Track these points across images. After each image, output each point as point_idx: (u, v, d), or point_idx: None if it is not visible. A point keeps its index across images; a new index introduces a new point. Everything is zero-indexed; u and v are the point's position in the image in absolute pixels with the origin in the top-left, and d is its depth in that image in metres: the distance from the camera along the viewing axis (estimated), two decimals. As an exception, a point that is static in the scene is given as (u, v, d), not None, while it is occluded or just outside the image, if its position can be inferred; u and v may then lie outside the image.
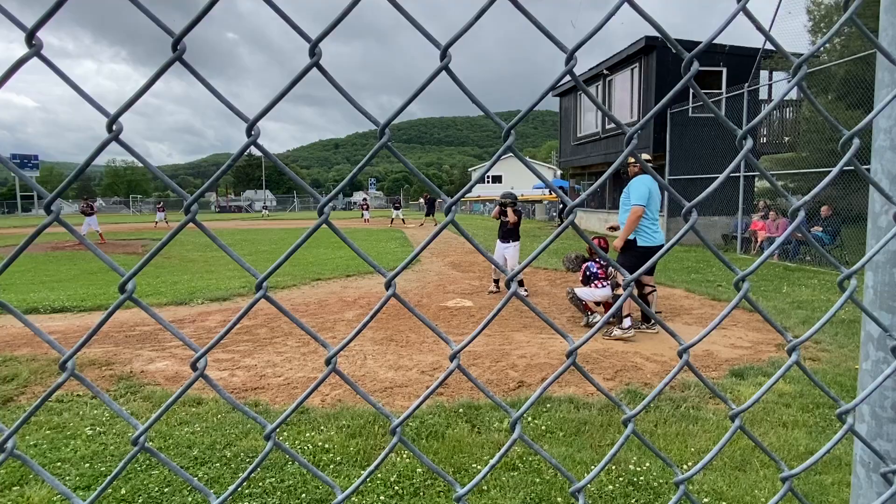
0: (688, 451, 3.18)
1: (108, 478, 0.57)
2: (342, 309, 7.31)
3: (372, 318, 0.57)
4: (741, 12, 0.51)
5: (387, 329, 6.15)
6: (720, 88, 16.02)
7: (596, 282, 6.21)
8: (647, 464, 3.00)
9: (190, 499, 2.72)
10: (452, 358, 0.59)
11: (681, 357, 0.57)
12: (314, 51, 0.49)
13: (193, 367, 0.56)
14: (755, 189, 14.81)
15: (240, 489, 2.77)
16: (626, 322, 5.61)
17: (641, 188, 5.46)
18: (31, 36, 0.46)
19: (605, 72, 19.00)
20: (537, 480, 2.85)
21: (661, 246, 5.56)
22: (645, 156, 6.15)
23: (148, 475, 2.94)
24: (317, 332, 6.11)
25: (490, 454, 3.15)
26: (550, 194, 36.12)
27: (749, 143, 0.54)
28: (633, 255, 5.53)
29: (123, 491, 2.78)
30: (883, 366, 0.66)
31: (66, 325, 6.41)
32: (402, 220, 29.83)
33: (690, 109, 14.98)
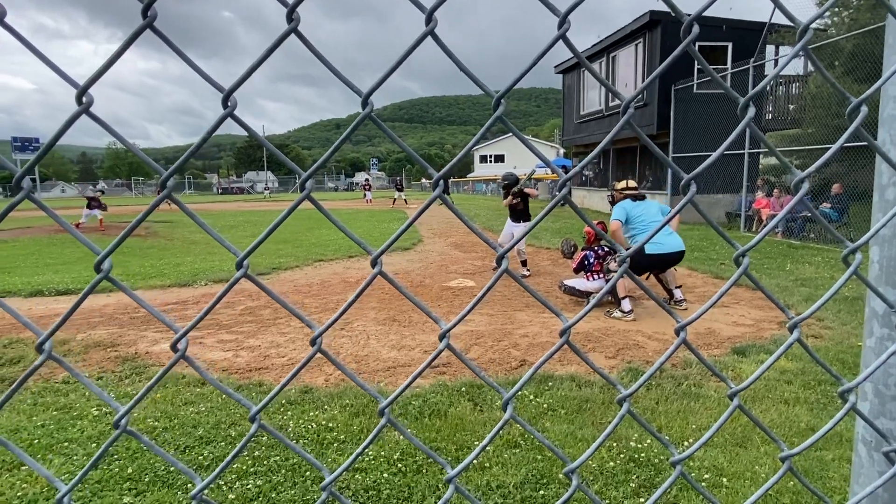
0: (689, 428, 3.19)
1: (92, 458, 0.56)
2: (345, 290, 7.33)
3: (357, 297, 0.55)
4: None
5: (390, 309, 6.16)
6: (725, 64, 15.78)
7: (589, 273, 6.22)
8: (648, 441, 3.02)
9: (198, 476, 2.75)
10: (442, 338, 0.58)
11: (678, 335, 0.56)
12: (292, 16, 0.47)
13: (174, 348, 0.55)
14: (759, 166, 14.67)
15: (245, 468, 2.80)
16: (626, 304, 5.62)
17: (617, 209, 5.83)
18: None
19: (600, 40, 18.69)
20: (539, 457, 2.87)
21: (674, 252, 5.68)
22: (630, 182, 6.36)
23: (154, 454, 2.97)
24: (320, 312, 6.12)
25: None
26: (552, 173, 35.89)
27: (751, 111, 0.51)
28: (641, 257, 5.64)
29: (130, 470, 2.81)
30: (887, 343, 0.65)
31: (70, 307, 6.44)
32: (405, 200, 29.75)
33: (695, 86, 14.78)
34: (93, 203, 17.43)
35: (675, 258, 5.73)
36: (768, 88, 13.86)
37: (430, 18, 0.48)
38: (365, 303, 6.55)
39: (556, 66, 23.49)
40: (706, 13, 0.59)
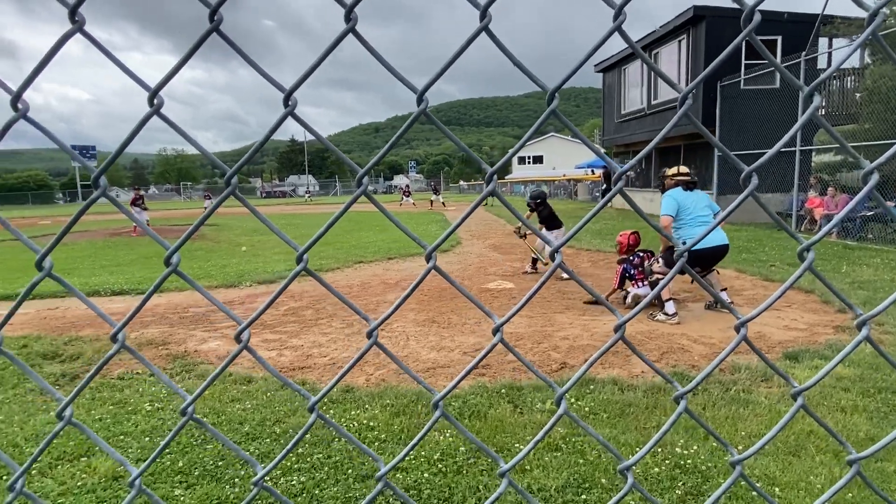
0: (738, 434, 3.09)
1: (163, 442, 0.59)
2: (384, 291, 7.40)
3: (413, 289, 0.56)
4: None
5: (429, 311, 6.19)
6: (775, 57, 15.19)
7: (633, 282, 6.10)
8: (695, 447, 2.94)
9: (242, 472, 2.83)
10: (496, 332, 0.58)
11: (738, 332, 0.54)
12: (349, 16, 0.48)
13: (237, 339, 0.57)
14: (812, 164, 14.07)
15: (290, 464, 2.86)
16: (670, 307, 5.47)
17: (670, 201, 5.51)
18: (73, 13, 0.47)
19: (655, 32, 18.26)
20: (580, 461, 2.83)
21: (718, 247, 5.49)
22: (682, 168, 6.04)
23: (203, 449, 3.07)
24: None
25: (532, 434, 3.14)
26: (593, 174, 35.31)
27: (817, 100, 0.49)
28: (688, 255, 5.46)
29: (181, 463, 2.91)
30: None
31: (125, 307, 6.72)
32: (443, 203, 29.83)
33: (742, 81, 14.30)
34: (137, 201, 18.20)
35: (720, 253, 5.53)
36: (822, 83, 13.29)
37: (484, 14, 0.48)
38: (405, 304, 6.60)
39: (596, 65, 23.13)
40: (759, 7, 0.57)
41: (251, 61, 0.50)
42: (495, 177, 0.53)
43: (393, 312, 0.57)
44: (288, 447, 0.63)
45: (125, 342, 0.54)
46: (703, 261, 5.61)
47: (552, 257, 0.55)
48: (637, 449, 2.96)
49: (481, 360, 0.57)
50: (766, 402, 3.48)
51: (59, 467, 2.94)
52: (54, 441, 3.23)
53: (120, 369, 4.41)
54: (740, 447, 2.95)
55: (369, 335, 0.57)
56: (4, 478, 2.84)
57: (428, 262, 0.54)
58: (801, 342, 4.67)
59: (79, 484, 2.77)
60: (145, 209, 18.64)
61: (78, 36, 0.50)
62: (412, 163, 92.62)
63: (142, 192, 19.37)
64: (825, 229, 0.52)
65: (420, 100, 0.51)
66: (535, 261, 8.44)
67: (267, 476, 2.67)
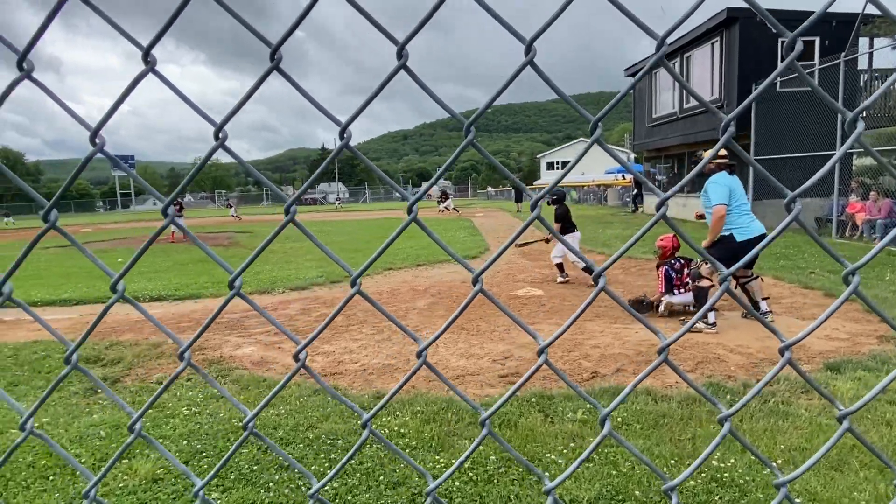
0: (777, 448, 3.01)
1: (225, 456, 0.62)
2: (414, 298, 7.44)
3: (460, 313, 0.57)
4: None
5: (458, 318, 6.20)
6: (812, 59, 14.80)
7: (674, 290, 5.99)
8: (732, 460, 2.87)
9: (276, 477, 2.89)
10: (541, 353, 0.59)
11: (782, 355, 0.54)
12: (402, 53, 0.50)
13: (296, 358, 0.60)
14: (853, 168, 13.62)
15: (322, 470, 2.90)
16: (711, 316, 5.36)
17: (720, 188, 5.23)
18: (146, 54, 0.50)
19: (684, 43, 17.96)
20: (613, 472, 2.79)
21: (761, 236, 5.30)
22: (722, 151, 5.73)
23: (239, 453, 3.14)
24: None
25: (563, 444, 3.12)
26: (623, 178, 34.86)
27: (860, 126, 0.49)
28: (731, 249, 5.27)
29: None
30: None
31: (162, 312, 6.93)
32: (456, 209, 29.87)
33: (778, 84, 13.95)
34: (179, 211, 18.69)
35: (760, 241, 5.37)
36: (863, 83, 12.87)
37: (528, 49, 0.50)
38: (434, 311, 6.63)
39: (625, 70, 22.90)
40: (789, 6, 0.58)
41: (310, 97, 0.53)
42: (540, 203, 0.55)
43: (442, 333, 0.59)
44: (342, 462, 0.65)
45: (191, 360, 0.57)
46: (750, 250, 5.41)
47: (595, 281, 0.56)
48: (672, 461, 2.91)
49: (526, 381, 0.59)
50: (807, 414, 3.38)
51: (103, 469, 3.04)
52: (97, 442, 3.35)
53: (159, 373, 4.54)
54: (779, 461, 2.87)
55: (419, 355, 0.59)
56: (51, 478, 2.95)
57: (475, 286, 0.55)
58: (842, 353, 4.52)
59: (121, 485, 2.86)
60: (180, 216, 19.23)
61: (118, 49, 0.55)
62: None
63: (180, 201, 20.02)
64: (870, 254, 0.52)
65: (468, 131, 0.53)
66: (561, 267, 8.33)
67: (293, 485, 2.70)
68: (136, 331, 5.99)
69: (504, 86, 0.51)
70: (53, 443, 0.68)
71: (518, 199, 29.70)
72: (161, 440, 3.37)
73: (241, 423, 3.49)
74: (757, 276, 5.68)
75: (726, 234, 5.28)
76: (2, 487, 2.89)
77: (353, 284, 0.56)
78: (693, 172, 0.52)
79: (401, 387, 0.61)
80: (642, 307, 6.18)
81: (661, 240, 6.31)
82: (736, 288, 5.81)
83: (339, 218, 32.19)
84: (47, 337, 5.84)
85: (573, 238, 8.15)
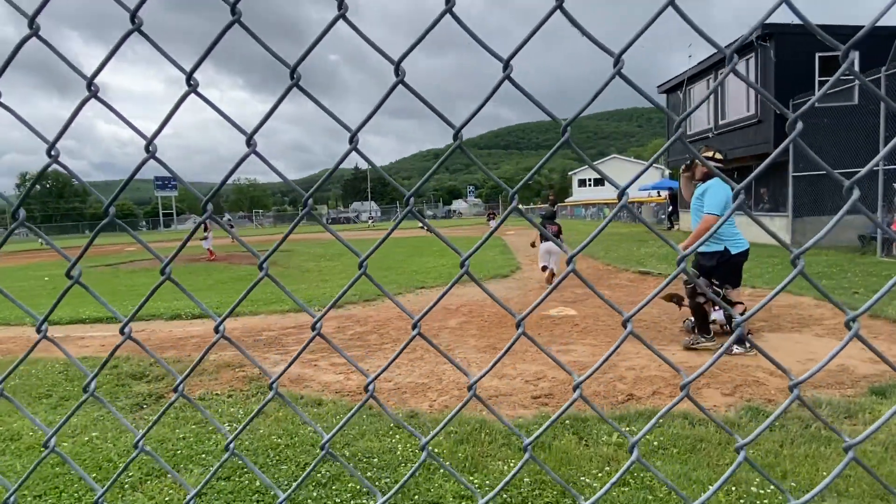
0: (819, 475, 2.93)
1: (303, 475, 0.69)
2: (446, 317, 7.50)
3: (505, 353, 0.64)
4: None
5: (489, 337, 6.23)
6: (851, 75, 14.42)
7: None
8: (771, 487, 2.81)
9: (315, 493, 2.96)
10: (576, 388, 0.65)
11: (791, 392, 0.58)
12: (398, 70, 0.59)
13: (366, 389, 0.67)
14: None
15: (359, 487, 2.97)
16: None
17: (719, 195, 5.08)
18: (189, 77, 0.60)
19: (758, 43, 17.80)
20: (649, 497, 2.77)
21: (748, 248, 5.31)
22: (717, 155, 5.69)
23: (278, 469, 3.23)
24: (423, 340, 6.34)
25: (598, 467, 3.11)
26: (658, 196, 34.40)
27: None
28: (730, 264, 5.19)
29: (258, 483, 3.08)
30: None
31: (203, 330, 7.16)
32: (503, 227, 29.96)
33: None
34: (207, 226, 19.19)
35: (747, 253, 5.33)
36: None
37: (506, 66, 0.59)
38: (465, 330, 6.67)
39: (658, 87, 22.75)
40: (827, 22, 0.65)
41: (323, 107, 0.63)
42: (517, 196, 0.63)
43: (490, 368, 0.65)
44: (401, 482, 0.72)
45: (278, 390, 0.65)
46: (738, 268, 5.30)
47: (567, 263, 0.63)
48: (709, 486, 2.87)
49: (563, 413, 0.64)
50: (850, 440, 3.28)
51: (149, 482, 3.18)
52: (143, 458, 3.49)
53: (201, 390, 4.71)
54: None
55: (469, 388, 0.65)
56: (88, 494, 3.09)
57: (518, 329, 0.62)
58: (889, 376, 4.37)
59: (166, 499, 2.98)
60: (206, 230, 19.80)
61: (161, 76, 0.65)
62: (470, 188, 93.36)
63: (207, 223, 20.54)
64: (816, 238, 0.56)
65: (455, 136, 0.62)
66: (544, 268, 9.79)
67: (330, 502, 2.74)
68: (179, 348, 6.21)
69: (485, 100, 0.59)
70: (67, 457, 0.77)
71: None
72: (203, 455, 3.49)
73: (266, 438, 3.59)
74: (743, 307, 5.48)
75: (719, 248, 5.19)
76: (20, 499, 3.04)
77: (413, 327, 0.63)
78: (747, 181, 0.58)
79: (454, 416, 0.67)
80: (677, 301, 6.00)
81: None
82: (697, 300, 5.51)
83: (372, 236, 32.63)
84: (96, 353, 6.11)
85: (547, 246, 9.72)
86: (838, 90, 13.37)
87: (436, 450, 3.40)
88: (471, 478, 3.06)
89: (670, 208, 25.48)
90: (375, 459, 3.31)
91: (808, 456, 3.13)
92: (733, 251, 5.16)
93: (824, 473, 2.94)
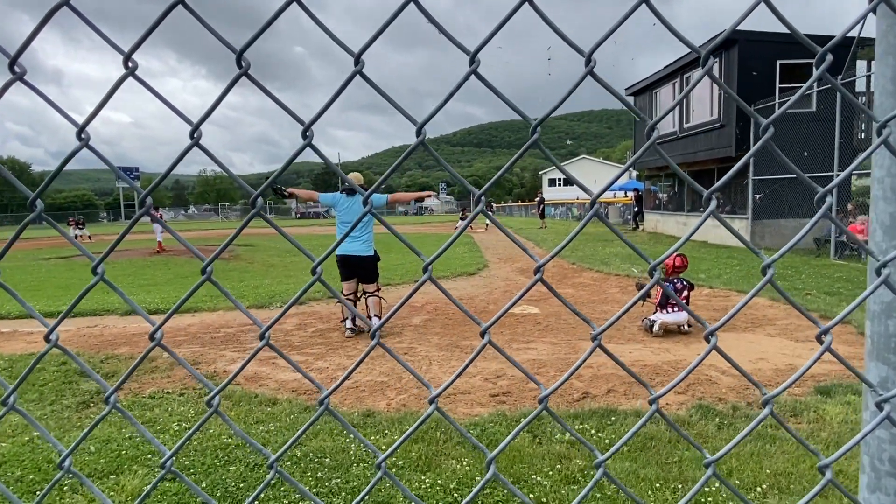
0: (763, 472, 3.01)
1: (258, 489, 0.65)
2: (410, 314, 7.47)
3: (468, 364, 0.61)
4: None
5: (452, 335, 6.22)
6: (807, 82, 14.91)
7: (668, 307, 5.97)
8: (717, 484, 2.87)
9: (262, 495, 2.89)
10: (542, 401, 0.64)
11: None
12: (357, 61, 0.56)
13: (320, 403, 0.65)
14: (852, 188, 13.67)
15: (308, 487, 2.91)
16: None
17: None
18: (127, 59, 0.56)
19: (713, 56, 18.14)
20: (598, 496, 2.80)
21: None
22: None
23: (226, 470, 3.15)
24: (385, 335, 6.25)
25: (549, 466, 3.13)
26: (626, 196, 34.99)
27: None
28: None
29: (204, 484, 3.00)
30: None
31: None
32: (471, 226, 30.06)
33: (777, 105, 14.07)
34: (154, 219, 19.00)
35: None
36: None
37: (472, 60, 0.56)
38: (429, 328, 6.64)
39: (627, 88, 23.11)
40: (785, 30, 0.64)
41: (275, 98, 0.60)
42: (483, 197, 0.61)
43: (451, 383, 0.63)
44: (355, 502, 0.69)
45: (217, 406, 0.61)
46: None
47: (535, 272, 0.61)
48: (657, 484, 2.91)
49: (527, 425, 0.62)
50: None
51: (91, 481, 3.06)
52: (86, 457, 3.36)
53: (152, 388, 4.56)
54: (764, 486, 2.87)
55: (431, 402, 0.63)
56: (37, 493, 2.96)
57: (483, 338, 0.60)
58: (834, 375, 4.52)
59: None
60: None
61: (118, 62, 0.60)
62: (443, 184, 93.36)
63: (161, 213, 20.19)
64: (787, 247, 0.55)
65: (419, 132, 0.59)
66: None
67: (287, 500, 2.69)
68: (133, 344, 6.02)
69: (450, 94, 0.57)
70: (83, 477, 0.72)
71: (542, 216, 30.89)
72: (150, 456, 3.38)
73: (216, 437, 3.50)
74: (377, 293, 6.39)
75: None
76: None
77: (372, 337, 0.60)
78: (724, 180, 0.56)
79: (411, 433, 0.64)
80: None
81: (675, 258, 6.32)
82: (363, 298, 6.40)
83: (341, 232, 32.29)
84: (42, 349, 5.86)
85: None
86: (797, 98, 13.78)
87: (389, 448, 3.36)
88: (423, 477, 3.04)
89: (636, 209, 25.93)
90: (328, 459, 3.26)
91: (754, 454, 3.21)
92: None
93: (768, 471, 3.02)
